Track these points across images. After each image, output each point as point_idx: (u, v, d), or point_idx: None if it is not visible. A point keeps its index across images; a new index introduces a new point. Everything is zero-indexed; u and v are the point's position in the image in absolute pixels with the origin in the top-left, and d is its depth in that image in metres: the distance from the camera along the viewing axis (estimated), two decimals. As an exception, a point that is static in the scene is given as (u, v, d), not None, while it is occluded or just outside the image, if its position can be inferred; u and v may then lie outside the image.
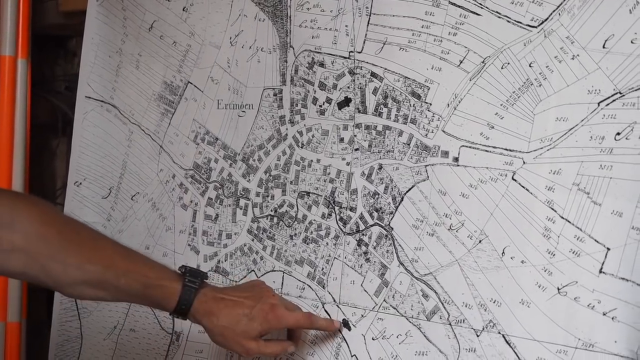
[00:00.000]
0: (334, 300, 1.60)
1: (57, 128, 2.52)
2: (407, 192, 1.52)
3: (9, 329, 2.24)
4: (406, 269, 1.51)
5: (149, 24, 1.98)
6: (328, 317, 1.61)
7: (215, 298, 1.47)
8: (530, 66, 1.38)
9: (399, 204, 1.52)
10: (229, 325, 1.46)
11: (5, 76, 2.24)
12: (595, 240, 1.29)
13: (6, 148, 2.25)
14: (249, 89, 1.78)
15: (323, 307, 1.62)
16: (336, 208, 1.62)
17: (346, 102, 1.61)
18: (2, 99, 2.24)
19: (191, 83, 1.90)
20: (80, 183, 2.10)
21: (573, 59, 1.33)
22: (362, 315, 1.56)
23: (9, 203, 1.34)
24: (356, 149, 1.59)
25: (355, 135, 1.60)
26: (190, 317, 1.47)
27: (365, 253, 1.56)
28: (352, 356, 1.56)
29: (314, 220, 1.65)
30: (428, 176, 1.49)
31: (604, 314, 1.27)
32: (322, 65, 1.65)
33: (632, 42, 1.28)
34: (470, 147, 1.44)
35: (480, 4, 1.44)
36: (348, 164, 1.61)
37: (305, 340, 1.62)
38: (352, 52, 1.61)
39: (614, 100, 1.29)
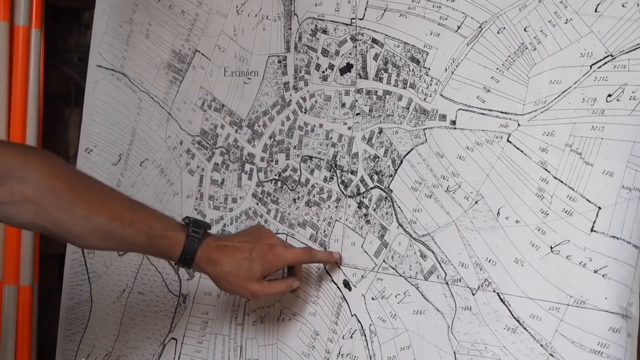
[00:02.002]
0: (335, 262, 1.64)
1: (70, 98, 2.56)
2: (406, 155, 1.55)
3: (22, 292, 2.29)
4: (405, 230, 1.54)
5: (158, -7, 2.02)
6: (324, 250, 1.67)
7: (218, 246, 1.52)
8: (525, 30, 1.41)
9: (398, 167, 1.56)
10: (232, 271, 1.51)
11: (19, 46, 2.27)
12: (587, 199, 1.32)
13: (20, 117, 2.29)
14: (255, 57, 1.82)
15: (325, 267, 1.65)
16: (338, 171, 1.65)
17: (348, 68, 1.65)
18: (16, 69, 2.28)
19: (199, 51, 1.94)
20: (91, 150, 2.14)
21: (566, 23, 1.36)
22: (362, 276, 1.60)
23: (21, 156, 1.38)
24: (357, 114, 1.63)
25: (356, 101, 1.63)
26: (195, 266, 1.52)
27: (366, 215, 1.60)
28: (352, 315, 1.60)
29: (317, 183, 1.69)
30: (426, 139, 1.52)
31: (595, 272, 1.30)
32: (324, 32, 1.69)
33: (623, 5, 1.30)
34: (467, 110, 1.47)
35: (478, -30, 1.47)
36: (349, 128, 1.64)
37: (307, 295, 1.66)
38: (353, 19, 1.64)
39: (605, 63, 1.32)
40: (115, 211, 1.45)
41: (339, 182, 1.65)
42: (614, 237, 1.29)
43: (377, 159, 1.59)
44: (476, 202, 1.45)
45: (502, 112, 1.43)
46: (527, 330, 1.36)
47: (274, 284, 1.56)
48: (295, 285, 1.59)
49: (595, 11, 1.33)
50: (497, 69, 1.43)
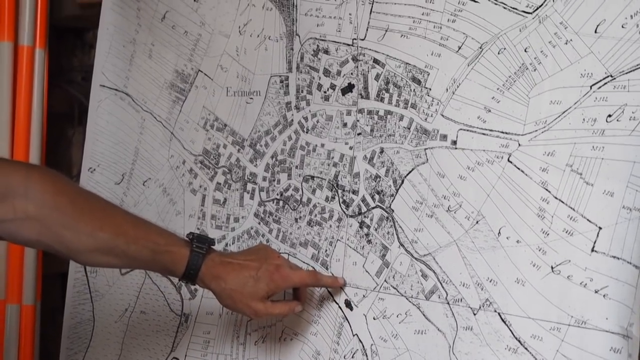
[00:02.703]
0: (340, 287, 1.64)
1: (74, 117, 2.56)
2: (408, 174, 1.55)
3: (24, 311, 2.29)
4: (406, 250, 1.54)
5: (161, 14, 2.02)
6: (330, 274, 1.66)
7: (223, 262, 1.52)
8: (525, 51, 1.41)
9: (400, 187, 1.56)
10: (236, 288, 1.50)
11: (23, 65, 2.28)
12: (588, 219, 1.32)
13: (23, 136, 2.30)
14: (257, 77, 1.83)
15: (326, 287, 1.65)
16: (339, 191, 1.66)
17: (349, 88, 1.66)
18: (20, 88, 2.29)
19: (201, 71, 1.95)
20: (94, 169, 2.15)
21: (566, 43, 1.37)
22: (364, 296, 1.60)
23: (23, 173, 1.39)
24: (359, 134, 1.63)
25: (358, 120, 1.64)
26: (198, 282, 1.52)
27: (367, 235, 1.60)
28: (353, 335, 1.60)
29: (318, 203, 1.69)
30: (427, 159, 1.53)
31: (596, 292, 1.30)
32: (326, 52, 1.69)
33: (622, 26, 1.31)
34: (467, 130, 1.48)
35: (479, -9, 1.48)
36: (351, 148, 1.65)
37: (309, 314, 1.66)
38: (355, 39, 1.65)
39: (605, 84, 1.33)
40: (119, 227, 1.45)
41: (341, 201, 1.66)
42: (614, 257, 1.29)
43: (378, 179, 1.60)
44: (477, 222, 1.45)
45: (502, 132, 1.43)
46: (528, 351, 1.36)
47: (277, 305, 1.55)
48: (297, 310, 1.58)
49: (595, 32, 1.33)
50: (497, 89, 1.44)
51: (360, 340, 1.59)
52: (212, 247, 1.54)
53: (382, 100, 1.60)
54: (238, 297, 1.51)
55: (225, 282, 1.51)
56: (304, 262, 1.70)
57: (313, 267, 1.68)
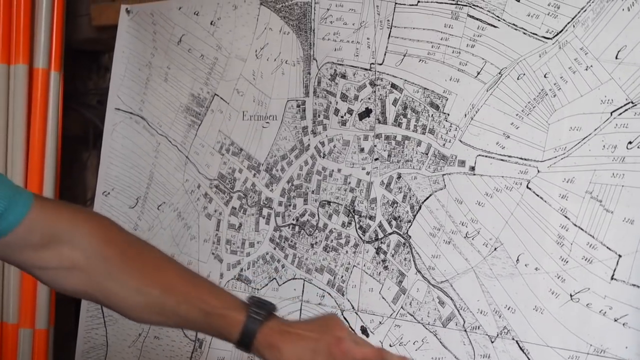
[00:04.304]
0: (353, 308, 1.63)
1: (88, 141, 2.57)
2: (425, 200, 1.54)
3: (37, 335, 2.28)
4: (423, 277, 1.53)
5: (177, 37, 2.03)
6: (398, 354, 1.46)
7: (281, 331, 1.37)
8: (545, 77, 1.40)
9: (417, 213, 1.55)
10: (292, 359, 1.35)
11: (38, 88, 2.28)
12: (607, 247, 1.31)
13: (38, 159, 2.29)
14: (273, 101, 1.82)
15: (342, 314, 1.64)
16: (356, 217, 1.65)
17: (367, 112, 1.65)
18: (35, 111, 2.29)
19: (217, 95, 1.94)
20: (109, 193, 2.15)
21: (587, 69, 1.36)
22: (380, 322, 1.58)
23: (71, 218, 1.32)
24: (376, 159, 1.63)
25: (375, 145, 1.63)
26: (253, 350, 1.37)
27: (384, 261, 1.59)
28: (369, 362, 1.58)
29: (334, 228, 1.68)
30: (445, 185, 1.52)
31: (615, 320, 1.29)
32: (344, 77, 1.69)
33: (644, 52, 1.30)
34: (486, 156, 1.47)
35: (498, 16, 1.47)
36: (368, 173, 1.64)
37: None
38: (373, 64, 1.64)
39: (626, 110, 1.32)
40: (170, 284, 1.35)
41: (357, 227, 1.64)
42: (634, 285, 1.28)
43: (395, 205, 1.59)
44: (495, 249, 1.44)
45: (521, 158, 1.42)
46: (546, 379, 1.35)
47: None
48: None
49: (616, 58, 1.33)
50: (516, 115, 1.43)
51: (376, 368, 1.57)
52: (273, 313, 1.39)
53: (399, 125, 1.59)
54: None
55: (280, 352, 1.35)
56: (319, 288, 1.69)
57: (329, 293, 1.67)
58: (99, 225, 1.34)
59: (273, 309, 1.39)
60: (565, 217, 1.36)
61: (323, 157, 1.72)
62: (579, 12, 1.38)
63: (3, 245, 1.29)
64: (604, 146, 1.33)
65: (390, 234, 1.59)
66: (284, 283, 1.76)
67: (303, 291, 1.73)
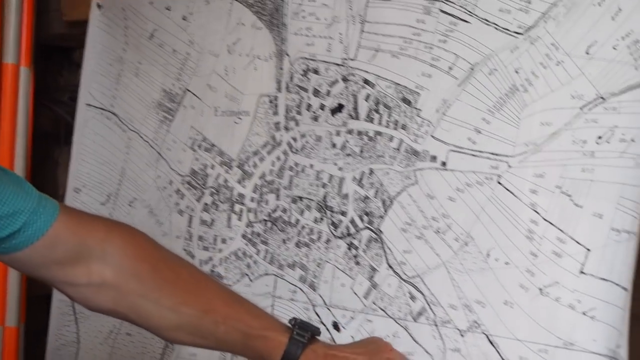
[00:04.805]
0: (325, 303, 1.63)
1: (60, 137, 2.55)
2: (397, 196, 1.55)
3: (7, 333, 2.26)
4: (395, 272, 1.53)
5: (149, 32, 2.02)
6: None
7: (326, 355, 1.32)
8: (516, 72, 1.41)
9: (389, 208, 1.55)
10: None
11: (7, 83, 2.26)
12: (577, 241, 1.32)
13: (8, 156, 2.27)
14: (246, 96, 1.82)
15: (314, 309, 1.64)
16: (328, 212, 1.65)
17: (339, 108, 1.65)
18: (5, 107, 2.26)
19: (189, 91, 1.93)
20: (80, 190, 2.13)
21: (557, 65, 1.37)
22: (352, 317, 1.59)
23: (103, 232, 1.27)
24: (348, 155, 1.63)
25: (347, 141, 1.63)
26: None
27: (355, 256, 1.59)
28: (341, 357, 1.58)
29: (307, 224, 1.68)
30: (417, 180, 1.52)
31: (584, 314, 1.30)
32: (316, 72, 1.69)
33: (614, 48, 1.31)
34: (458, 151, 1.47)
35: (470, 11, 1.48)
36: (340, 169, 1.64)
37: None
38: (345, 59, 1.65)
39: (595, 105, 1.33)
40: (207, 304, 1.30)
41: (329, 223, 1.65)
42: (603, 279, 1.29)
43: (367, 200, 1.59)
44: (466, 244, 1.44)
45: (492, 153, 1.43)
46: (516, 373, 1.36)
47: None
48: None
49: (587, 53, 1.34)
50: (488, 110, 1.44)
51: (347, 362, 1.57)
52: (316, 336, 1.34)
53: (372, 120, 1.60)
54: None
55: None
56: (291, 284, 1.69)
57: (301, 289, 1.67)
58: (131, 241, 1.30)
59: (317, 332, 1.34)
60: (535, 211, 1.37)
61: (295, 153, 1.72)
62: (550, 8, 1.39)
63: (24, 260, 1.24)
64: (573, 141, 1.34)
65: (362, 229, 1.60)
66: (256, 279, 1.76)
67: (275, 287, 1.72)
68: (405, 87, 1.55)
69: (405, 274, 1.52)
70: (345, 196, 1.62)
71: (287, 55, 1.74)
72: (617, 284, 1.27)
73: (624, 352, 1.26)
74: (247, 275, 1.78)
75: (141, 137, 2.03)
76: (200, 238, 1.88)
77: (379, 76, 1.59)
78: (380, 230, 1.56)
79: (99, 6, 2.12)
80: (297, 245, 1.69)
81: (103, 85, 2.12)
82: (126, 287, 1.26)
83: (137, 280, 1.27)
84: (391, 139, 1.57)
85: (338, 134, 1.65)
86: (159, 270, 1.29)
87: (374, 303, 1.56)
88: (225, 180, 1.84)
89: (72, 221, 1.27)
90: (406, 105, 1.55)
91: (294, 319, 1.35)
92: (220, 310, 1.30)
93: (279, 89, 1.76)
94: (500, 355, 1.38)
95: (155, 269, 1.29)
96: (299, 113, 1.72)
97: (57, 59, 2.56)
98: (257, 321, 1.32)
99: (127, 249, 1.28)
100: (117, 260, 1.26)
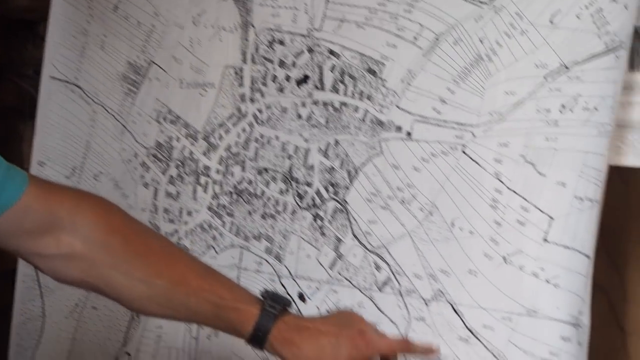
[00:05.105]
0: (290, 274, 1.63)
1: (25, 111, 2.52)
2: (362, 166, 1.55)
3: (-29, 307, 2.25)
4: (360, 242, 1.54)
5: (114, 4, 2.00)
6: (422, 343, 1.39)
7: (298, 327, 1.30)
8: (481, 42, 1.42)
9: (354, 179, 1.56)
10: (312, 356, 1.28)
11: (-29, 58, 2.24)
12: (540, 210, 1.33)
13: (-28, 129, 2.26)
14: (211, 68, 1.81)
15: (280, 280, 1.64)
16: (293, 184, 1.65)
17: (304, 79, 1.65)
18: (-31, 81, 2.25)
19: (155, 63, 1.92)
20: (44, 163, 2.11)
21: (522, 34, 1.37)
22: (317, 288, 1.59)
23: (72, 203, 1.25)
24: (313, 126, 1.63)
25: (312, 112, 1.63)
26: (267, 347, 1.29)
27: (321, 227, 1.60)
28: (306, 328, 1.59)
29: (272, 196, 1.68)
30: (382, 151, 1.52)
31: (547, 281, 1.31)
32: (281, 43, 1.69)
33: (577, 17, 1.32)
34: (422, 121, 1.48)
35: (435, -19, 1.48)
36: (305, 140, 1.64)
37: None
38: (311, 30, 1.64)
39: (559, 74, 1.33)
40: (179, 275, 1.28)
41: (295, 194, 1.65)
42: (566, 247, 1.30)
43: (333, 171, 1.59)
44: (431, 214, 1.45)
45: (457, 123, 1.43)
46: (480, 341, 1.37)
47: None
48: None
49: (551, 22, 1.34)
50: (453, 80, 1.44)
51: (313, 333, 1.58)
52: (288, 308, 1.32)
53: (337, 91, 1.60)
54: None
55: (299, 348, 1.27)
56: (257, 255, 1.69)
57: (267, 260, 1.67)
58: (101, 212, 1.27)
59: (288, 304, 1.32)
60: (500, 180, 1.37)
61: (261, 125, 1.72)
62: (515, -23, 1.39)
63: None
64: (537, 110, 1.35)
65: (327, 200, 1.60)
66: (221, 251, 1.76)
67: (241, 258, 1.72)
68: (371, 57, 1.55)
69: (370, 244, 1.52)
70: (311, 167, 1.62)
71: (253, 26, 1.74)
72: (579, 252, 1.28)
73: (586, 318, 1.27)
74: (212, 247, 1.77)
75: (106, 110, 2.02)
76: (166, 211, 1.87)
77: (344, 47, 1.59)
78: (346, 201, 1.56)
79: (62, -23, 2.11)
80: (263, 217, 1.69)
81: (67, 58, 2.10)
82: (96, 258, 1.24)
83: (108, 251, 1.24)
84: (356, 109, 1.57)
85: (304, 105, 1.65)
86: (129, 241, 1.27)
87: (339, 273, 1.56)
88: (191, 153, 1.84)
89: (41, 191, 1.25)
90: (371, 76, 1.55)
91: (266, 291, 1.34)
92: (191, 281, 1.28)
93: (244, 61, 1.75)
94: (464, 324, 1.39)
95: (126, 240, 1.26)
96: (264, 84, 1.71)
97: (21, 32, 2.53)
98: (229, 293, 1.31)
99: (98, 220, 1.24)
100: (87, 232, 1.23)
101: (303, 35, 1.65)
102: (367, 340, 1.28)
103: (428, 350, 1.34)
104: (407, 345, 1.33)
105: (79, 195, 1.33)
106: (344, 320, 1.32)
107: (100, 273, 1.24)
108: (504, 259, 1.36)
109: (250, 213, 1.72)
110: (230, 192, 1.76)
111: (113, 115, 1.99)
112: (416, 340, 1.35)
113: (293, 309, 1.45)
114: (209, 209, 1.79)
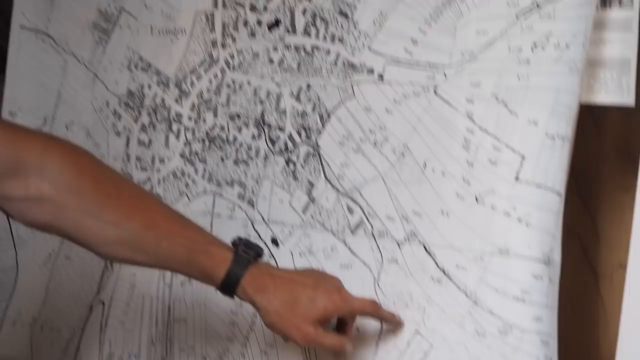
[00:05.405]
0: (263, 219, 1.63)
1: (-5, 64, 2.50)
2: (334, 110, 1.54)
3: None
4: (332, 186, 1.53)
5: (82, -50, 1.98)
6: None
7: (272, 274, 1.31)
8: (452, -19, 1.41)
9: (326, 122, 1.55)
10: (288, 304, 1.28)
11: (-61, 9, 2.21)
12: (512, 149, 1.33)
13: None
14: (182, 14, 1.79)
15: (253, 226, 1.64)
16: (265, 129, 1.64)
17: (276, 23, 1.63)
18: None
19: (125, 10, 1.90)
20: (15, 113, 2.10)
21: (493, -29, 1.36)
22: (290, 233, 1.59)
23: (41, 146, 1.25)
24: (285, 70, 1.62)
25: (284, 56, 1.62)
26: (239, 293, 1.30)
27: (294, 172, 1.59)
28: (279, 272, 1.59)
29: (245, 141, 1.67)
30: (354, 94, 1.52)
31: (519, 220, 1.31)
32: (253, -13, 1.67)
33: (548, -46, 1.31)
34: (394, 63, 1.47)
35: None
36: (277, 84, 1.63)
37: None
38: (282, -28, 1.63)
39: (531, 12, 1.32)
40: (149, 219, 1.28)
41: (267, 139, 1.64)
42: (537, 185, 1.30)
43: (305, 115, 1.58)
44: (403, 155, 1.44)
45: (429, 63, 1.43)
46: (452, 281, 1.37)
47: (329, 335, 1.32)
48: (348, 350, 1.33)
49: (523, -42, 1.33)
50: (424, 20, 1.43)
51: (286, 277, 1.58)
52: (260, 257, 1.34)
53: (309, 35, 1.58)
54: (287, 316, 1.28)
55: (274, 296, 1.28)
56: (230, 201, 1.68)
57: (240, 206, 1.66)
58: (71, 155, 1.27)
59: (261, 252, 1.33)
60: (471, 120, 1.37)
61: (232, 70, 1.70)
62: None
63: None
64: (509, 49, 1.34)
65: (299, 144, 1.59)
66: (194, 198, 1.75)
67: (214, 205, 1.72)
68: (342, -1, 1.54)
69: (342, 187, 1.52)
70: (283, 112, 1.62)
71: (224, -31, 1.72)
72: (551, 190, 1.28)
73: (557, 255, 1.27)
74: (185, 194, 1.77)
75: (77, 59, 2.00)
76: (138, 159, 1.86)
77: (316, -12, 1.58)
78: (318, 145, 1.56)
79: None
80: (235, 162, 1.69)
81: (37, 7, 2.08)
82: (65, 201, 1.24)
83: (77, 194, 1.24)
84: (328, 52, 1.56)
85: (275, 49, 1.63)
86: (99, 184, 1.27)
87: (312, 217, 1.56)
88: (163, 100, 1.83)
89: (8, 134, 1.25)
90: (343, 18, 1.54)
91: (238, 237, 1.35)
92: (162, 226, 1.28)
93: (215, 6, 1.73)
94: (436, 264, 1.39)
95: (96, 183, 1.27)
96: (236, 29, 1.70)
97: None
98: (201, 237, 1.32)
99: (67, 164, 1.25)
100: (56, 175, 1.23)
101: (274, -22, 1.64)
102: (343, 296, 1.33)
103: (392, 318, 1.39)
104: (376, 308, 1.37)
105: (48, 138, 1.33)
106: (319, 276, 1.37)
107: (69, 216, 1.25)
108: (476, 199, 1.35)
109: (222, 159, 1.71)
110: (203, 139, 1.75)
111: (84, 64, 1.98)
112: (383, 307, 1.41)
113: (266, 255, 1.46)
114: (182, 156, 1.78)
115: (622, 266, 1.30)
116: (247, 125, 1.67)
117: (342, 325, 1.39)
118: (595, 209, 1.41)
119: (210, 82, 1.74)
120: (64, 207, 1.24)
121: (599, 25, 1.31)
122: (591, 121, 1.38)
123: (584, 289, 1.41)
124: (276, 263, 1.59)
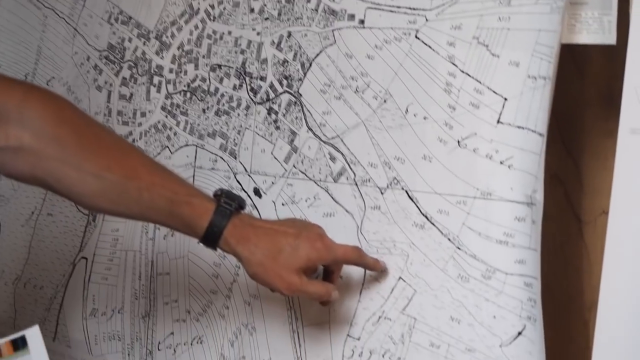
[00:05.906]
0: (246, 170, 1.62)
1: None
2: (315, 57, 1.53)
3: None
4: (314, 134, 1.52)
5: None
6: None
7: (253, 225, 1.30)
8: None
9: (308, 70, 1.53)
10: (270, 255, 1.27)
11: None
12: (494, 91, 1.31)
13: None
14: (161, -36, 1.78)
15: (235, 177, 1.63)
16: (247, 79, 1.63)
17: (256, -29, 1.62)
18: None
19: (104, -38, 1.89)
20: (-4, 70, 2.08)
21: None
22: (273, 183, 1.57)
23: (20, 95, 1.22)
24: (266, 19, 1.60)
25: (265, 5, 1.60)
26: (222, 244, 1.29)
27: (275, 121, 1.58)
28: (262, 222, 1.58)
29: (226, 92, 1.66)
30: (335, 40, 1.50)
31: (501, 163, 1.30)
32: None
33: None
34: (375, 8, 1.45)
35: None
36: (258, 34, 1.61)
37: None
38: None
39: (512, -48, 1.31)
40: (131, 170, 1.26)
41: (248, 89, 1.62)
42: (519, 127, 1.28)
43: (286, 64, 1.57)
44: (385, 101, 1.43)
45: (410, 8, 1.41)
46: (435, 226, 1.36)
47: (313, 283, 1.31)
48: (335, 297, 1.33)
49: None
50: (405, -36, 1.41)
51: (269, 226, 1.57)
52: (242, 208, 1.32)
53: (289, -18, 1.57)
54: (270, 266, 1.27)
55: (256, 245, 1.27)
56: (212, 153, 1.67)
57: (222, 158, 1.65)
58: (51, 104, 1.25)
59: (243, 203, 1.32)
60: (453, 64, 1.36)
61: (213, 20, 1.69)
62: None
63: None
64: (490, -10, 1.33)
65: (281, 93, 1.58)
66: (176, 150, 1.74)
67: (196, 157, 1.70)
68: (322, -55, 1.52)
69: (324, 135, 1.50)
70: (264, 61, 1.60)
71: None
72: (533, 131, 1.27)
73: (539, 195, 1.26)
74: (167, 147, 1.75)
75: (57, 13, 1.98)
76: (120, 113, 1.85)
77: None
78: (300, 93, 1.54)
79: None
80: (217, 113, 1.67)
81: (15, -39, 2.06)
82: (46, 151, 1.22)
83: (58, 144, 1.22)
84: (309, -1, 1.54)
85: (256, -2, 1.62)
86: (80, 135, 1.25)
87: (294, 167, 1.55)
88: (143, 53, 1.81)
89: None
90: (323, -36, 1.52)
91: (220, 189, 1.33)
92: (144, 177, 1.27)
93: (194, -45, 1.72)
94: (419, 210, 1.38)
95: (77, 133, 1.24)
96: (215, -21, 1.68)
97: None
98: (182, 188, 1.30)
99: (47, 113, 1.22)
100: (37, 124, 1.21)
101: None
102: (326, 244, 1.32)
103: (376, 265, 1.38)
104: (360, 254, 1.36)
105: (27, 87, 1.31)
106: (301, 225, 1.35)
107: (49, 166, 1.22)
108: (458, 142, 1.34)
109: (204, 111, 1.69)
110: (184, 91, 1.73)
111: (64, 19, 1.96)
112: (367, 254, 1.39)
113: (249, 206, 1.45)
114: (163, 108, 1.77)
115: (606, 212, 1.28)
116: (228, 75, 1.65)
117: (328, 275, 1.39)
118: (578, 155, 1.40)
119: (191, 33, 1.72)
120: (44, 156, 1.22)
121: (580, -36, 1.29)
122: (573, 65, 1.37)
123: (568, 236, 1.41)
124: (259, 214, 1.58)
